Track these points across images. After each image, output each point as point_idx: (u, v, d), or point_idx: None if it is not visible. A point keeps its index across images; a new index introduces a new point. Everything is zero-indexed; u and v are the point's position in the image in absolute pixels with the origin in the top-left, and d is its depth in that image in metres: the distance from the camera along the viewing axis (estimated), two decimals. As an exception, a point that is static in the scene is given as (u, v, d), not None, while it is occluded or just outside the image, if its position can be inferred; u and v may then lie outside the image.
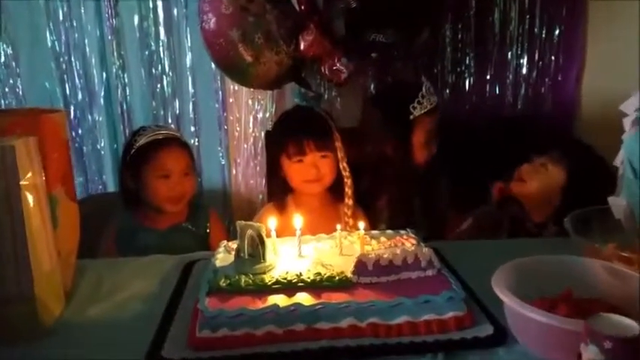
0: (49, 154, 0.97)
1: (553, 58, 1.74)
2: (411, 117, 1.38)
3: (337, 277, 0.84)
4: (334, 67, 1.47)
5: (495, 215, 1.32)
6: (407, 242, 1.00)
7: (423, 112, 1.37)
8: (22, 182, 0.85)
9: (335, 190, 1.33)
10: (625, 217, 1.07)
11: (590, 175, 1.25)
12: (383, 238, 1.02)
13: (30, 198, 0.87)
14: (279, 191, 1.37)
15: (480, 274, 0.83)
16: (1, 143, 0.84)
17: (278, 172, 1.35)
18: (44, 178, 0.93)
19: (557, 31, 1.73)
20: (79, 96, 1.77)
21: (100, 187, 1.81)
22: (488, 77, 1.76)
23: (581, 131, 1.76)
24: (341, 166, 1.30)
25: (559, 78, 1.75)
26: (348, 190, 1.29)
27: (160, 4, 1.70)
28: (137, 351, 0.77)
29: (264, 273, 0.88)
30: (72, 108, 1.76)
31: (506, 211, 1.32)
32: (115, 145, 1.79)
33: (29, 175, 0.88)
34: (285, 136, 1.31)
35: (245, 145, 1.81)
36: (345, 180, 1.29)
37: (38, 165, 0.92)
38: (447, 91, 1.76)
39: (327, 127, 1.31)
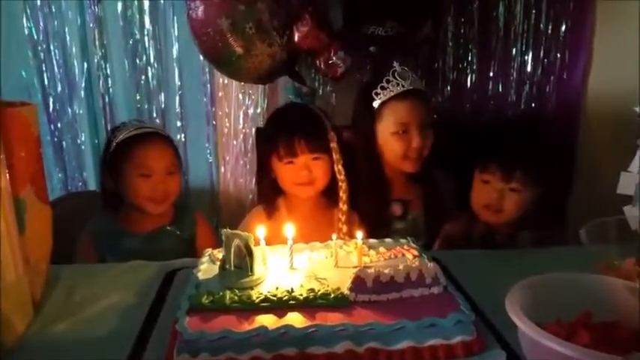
0: (16, 152, 0.88)
1: (559, 55, 1.66)
2: (375, 104, 1.26)
3: (332, 295, 0.76)
4: (330, 61, 1.39)
5: (463, 234, 1.23)
6: (408, 253, 0.93)
7: (387, 97, 1.25)
8: (-20, 184, 0.77)
9: (329, 194, 1.25)
10: (642, 227, 1.00)
11: (558, 176, 1.22)
12: (382, 248, 0.94)
13: None
14: (269, 194, 1.28)
15: (489, 289, 0.77)
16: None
17: (268, 174, 1.26)
18: (9, 178, 0.85)
19: (563, 27, 1.65)
20: (59, 87, 1.66)
21: (80, 184, 1.71)
22: (491, 74, 1.67)
23: (586, 130, 1.70)
24: (336, 169, 1.21)
25: (564, 76, 1.68)
26: (343, 195, 1.20)
27: (145, -10, 1.61)
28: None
29: (252, 287, 0.80)
30: (50, 100, 1.66)
31: (474, 230, 1.23)
32: (97, 140, 1.69)
33: None
34: (276, 135, 1.22)
35: (234, 142, 1.72)
36: (340, 184, 1.21)
37: (2, 164, 0.83)
38: (448, 88, 1.68)
39: (321, 127, 1.22)
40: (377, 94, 1.26)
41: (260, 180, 1.33)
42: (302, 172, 1.21)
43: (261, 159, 1.32)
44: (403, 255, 0.92)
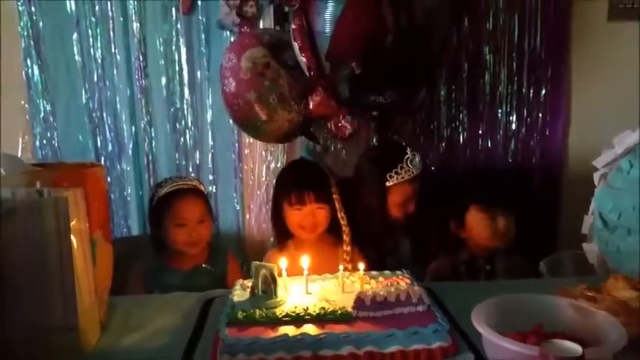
0: (91, 203, 1.10)
1: (540, 115, 1.91)
2: (387, 184, 1.52)
3: (339, 312, 0.97)
4: (339, 124, 1.63)
5: (451, 264, 1.47)
6: (402, 282, 1.12)
7: (398, 182, 1.51)
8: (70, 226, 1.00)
9: (332, 236, 1.48)
10: (597, 261, 1.20)
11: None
12: (381, 278, 1.15)
13: (75, 240, 1.01)
14: (281, 235, 1.51)
15: (467, 310, 0.95)
16: (56, 194, 0.99)
17: (281, 217, 1.50)
18: (87, 223, 1.08)
19: (543, 92, 1.90)
20: (109, 147, 1.93)
21: (125, 230, 1.95)
22: (480, 132, 1.92)
23: (569, 182, 1.90)
24: (339, 216, 1.45)
25: (546, 133, 1.91)
26: (346, 238, 1.43)
27: (185, 67, 1.90)
28: (166, 375, 0.90)
29: (276, 307, 1.00)
30: (102, 158, 1.93)
31: (460, 259, 1.48)
32: (141, 192, 1.94)
33: (75, 221, 1.02)
34: (289, 186, 1.47)
35: (258, 192, 1.96)
36: (343, 228, 1.44)
37: (83, 212, 1.06)
38: (443, 144, 1.93)
39: (326, 181, 1.47)
40: (391, 176, 1.51)
41: (274, 222, 1.55)
42: (307, 218, 1.45)
43: (275, 204, 1.54)
44: (398, 283, 1.12)
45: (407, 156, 1.51)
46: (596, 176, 1.25)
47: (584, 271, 1.19)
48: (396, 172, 1.51)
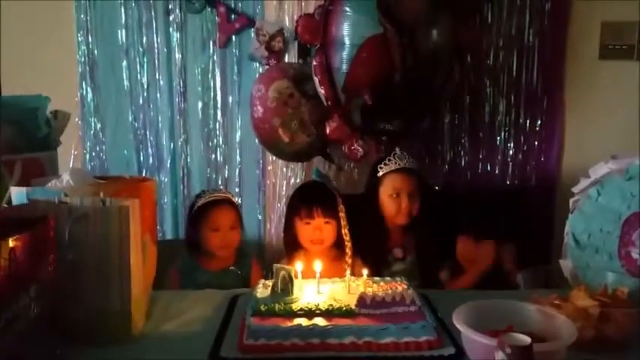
0: (144, 211, 1.32)
1: (536, 143, 2.08)
2: (378, 174, 1.72)
3: (344, 308, 1.16)
4: (352, 147, 1.84)
5: None
6: (399, 287, 1.31)
7: (387, 171, 1.71)
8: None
9: (337, 250, 1.65)
10: (571, 275, 1.38)
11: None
12: (382, 283, 1.34)
13: (131, 241, 1.24)
14: (291, 248, 1.71)
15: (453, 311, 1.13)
16: (119, 203, 1.22)
17: (292, 232, 1.69)
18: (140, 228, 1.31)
19: (538, 122, 2.08)
20: (150, 161, 2.19)
21: (160, 234, 2.17)
22: (480, 156, 2.10)
23: (561, 203, 2.07)
24: (343, 232, 1.62)
25: (542, 159, 2.09)
26: (349, 252, 1.60)
27: (219, 93, 2.15)
28: (201, 352, 1.09)
29: (292, 303, 1.20)
30: (144, 170, 2.19)
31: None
32: (175, 202, 2.19)
33: (132, 225, 1.24)
34: (300, 202, 1.67)
35: (278, 205, 2.18)
36: (346, 243, 1.61)
37: (138, 218, 1.29)
38: (446, 166, 2.12)
39: (333, 199, 1.63)
40: (381, 167, 1.73)
41: (286, 236, 1.75)
42: (315, 231, 1.63)
43: (287, 220, 1.74)
44: (396, 287, 1.31)
45: (394, 152, 1.72)
46: (571, 201, 1.43)
47: (559, 284, 1.36)
48: (385, 164, 1.72)
